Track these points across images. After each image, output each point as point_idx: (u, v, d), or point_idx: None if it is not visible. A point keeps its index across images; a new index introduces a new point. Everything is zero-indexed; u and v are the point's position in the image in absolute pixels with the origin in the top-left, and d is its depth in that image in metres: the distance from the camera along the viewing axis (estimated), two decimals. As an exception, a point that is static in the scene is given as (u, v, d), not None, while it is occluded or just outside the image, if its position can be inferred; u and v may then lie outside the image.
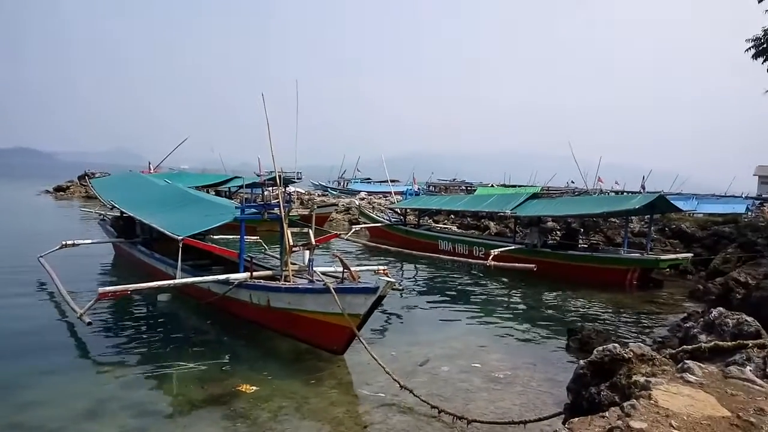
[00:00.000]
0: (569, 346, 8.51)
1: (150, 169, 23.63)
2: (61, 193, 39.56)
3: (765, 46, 13.50)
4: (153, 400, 6.09)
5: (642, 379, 4.21)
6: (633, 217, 19.44)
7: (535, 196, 17.23)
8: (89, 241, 13.03)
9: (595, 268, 14.09)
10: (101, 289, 7.62)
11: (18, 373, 6.50)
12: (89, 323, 7.60)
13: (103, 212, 16.28)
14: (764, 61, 13.49)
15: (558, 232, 18.31)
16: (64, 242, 11.81)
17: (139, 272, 11.56)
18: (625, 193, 31.81)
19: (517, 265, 12.81)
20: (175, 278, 8.57)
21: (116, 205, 12.49)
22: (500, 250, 14.36)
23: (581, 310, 11.51)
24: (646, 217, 18.80)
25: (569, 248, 15.14)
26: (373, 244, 18.41)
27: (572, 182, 44.55)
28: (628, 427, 3.14)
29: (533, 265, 12.17)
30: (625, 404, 3.50)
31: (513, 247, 15.17)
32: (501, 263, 13.01)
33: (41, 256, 11.29)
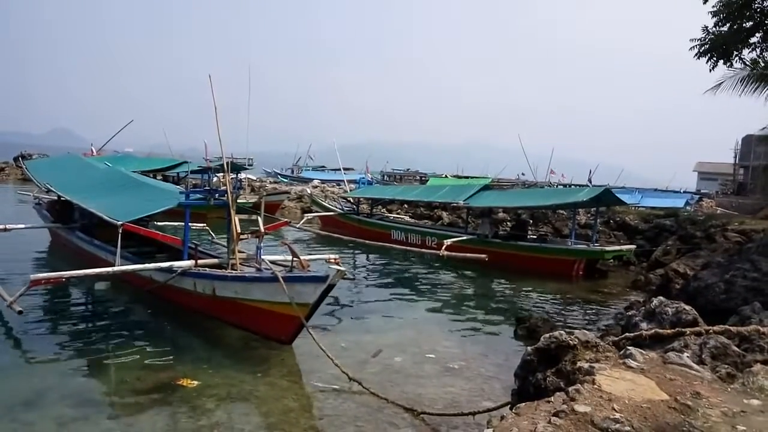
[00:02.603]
0: (517, 333, 8.66)
1: (92, 151, 22.62)
2: (-6, 175, 37.41)
3: (706, 46, 14.01)
4: (92, 390, 5.89)
5: (586, 365, 4.27)
6: (580, 210, 20.03)
7: (487, 187, 17.46)
8: (22, 226, 12.27)
9: (543, 258, 14.41)
10: (33, 276, 7.21)
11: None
12: (20, 312, 7.17)
13: (39, 196, 15.40)
14: (707, 60, 14.02)
15: (508, 223, 18.64)
16: None
17: (78, 259, 10.99)
18: (572, 186, 32.71)
19: (468, 255, 12.94)
20: (114, 265, 8.17)
21: (52, 188, 11.81)
22: (453, 240, 14.47)
23: (530, 299, 11.75)
24: (592, 209, 19.39)
25: (519, 239, 15.43)
26: (326, 233, 18.22)
27: (522, 174, 45.50)
28: (573, 410, 3.17)
29: (485, 255, 12.32)
30: (569, 389, 3.54)
31: (465, 238, 15.33)
32: (453, 253, 13.12)
33: (-31, 241, 10.60)
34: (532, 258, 14.51)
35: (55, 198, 12.92)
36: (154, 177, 19.55)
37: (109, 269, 8.03)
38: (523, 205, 16.66)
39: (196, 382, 6.04)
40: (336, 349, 6.89)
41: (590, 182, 31.27)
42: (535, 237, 16.73)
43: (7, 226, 11.37)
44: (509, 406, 5.12)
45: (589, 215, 21.14)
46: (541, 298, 11.86)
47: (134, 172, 14.35)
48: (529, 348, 5.13)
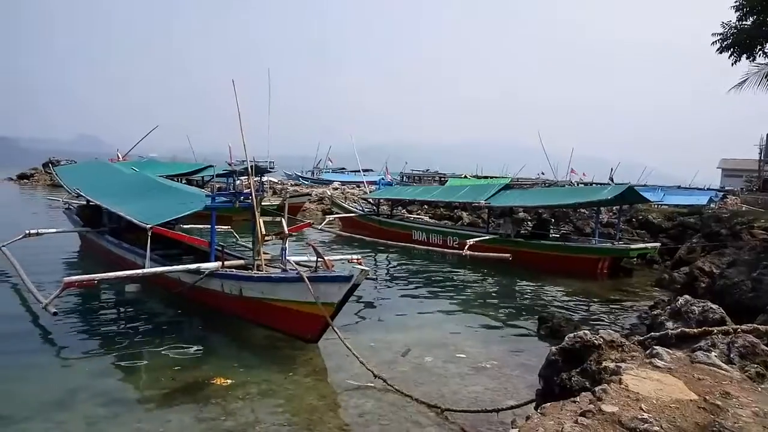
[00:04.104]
0: (540, 333, 8.64)
1: (118, 157, 23.09)
2: (24, 181, 38.44)
3: (729, 40, 13.81)
4: (122, 389, 6.00)
5: (612, 365, 4.28)
6: (602, 208, 19.87)
7: (507, 187, 17.41)
8: (54, 231, 12.65)
9: (567, 257, 14.33)
10: (67, 279, 7.42)
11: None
12: (55, 313, 7.40)
13: (68, 201, 15.80)
14: (730, 55, 13.82)
15: (529, 223, 18.56)
16: (27, 231, 11.44)
17: (107, 262, 11.27)
18: (593, 185, 32.40)
19: (492, 254, 12.94)
20: (143, 268, 8.38)
21: (82, 193, 12.14)
22: (475, 240, 14.47)
23: (552, 298, 11.70)
24: (614, 207, 19.20)
25: (542, 238, 15.35)
26: (347, 234, 18.35)
27: (542, 173, 45.20)
28: (600, 410, 3.19)
29: (508, 255, 12.31)
30: (596, 389, 3.56)
31: (487, 237, 15.31)
32: (476, 253, 13.13)
33: (4, 246, 10.95)
34: (556, 257, 14.43)
35: (84, 203, 13.26)
36: (179, 181, 19.91)
37: (139, 271, 8.24)
38: (544, 204, 16.59)
39: (229, 381, 6.16)
40: (363, 348, 6.96)
41: (612, 180, 30.95)
42: (557, 236, 16.63)
43: (39, 231, 11.72)
44: (534, 405, 5.16)
45: (611, 214, 20.95)
46: (564, 297, 11.79)
47: (160, 176, 14.65)
48: (553, 348, 5.14)
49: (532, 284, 12.93)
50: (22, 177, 39.30)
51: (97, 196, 11.43)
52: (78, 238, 14.28)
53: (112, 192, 11.37)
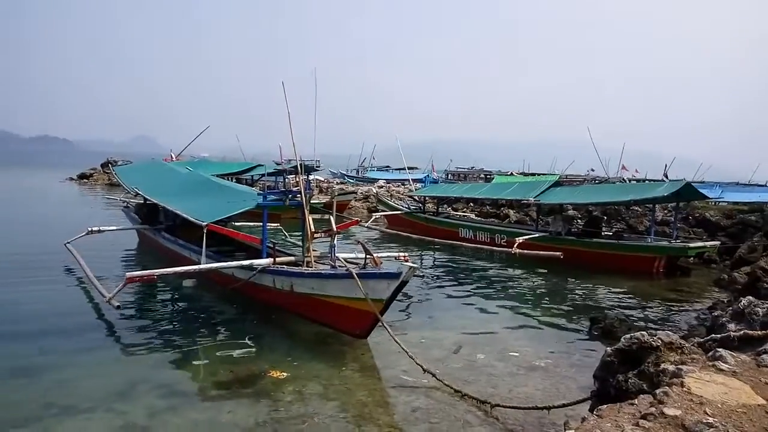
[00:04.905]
0: (593, 333, 8.46)
1: (172, 157, 23.88)
2: (84, 180, 40.18)
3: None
4: (180, 381, 6.21)
5: (671, 367, 4.16)
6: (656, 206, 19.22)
7: (557, 184, 17.09)
8: (114, 228, 13.26)
9: (621, 255, 13.95)
10: (128, 274, 7.75)
11: (50, 356, 6.66)
12: (117, 307, 7.75)
13: (126, 199, 16.50)
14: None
15: (579, 220, 18.14)
16: (90, 229, 12.03)
17: (163, 258, 11.73)
18: (647, 181, 31.33)
19: (543, 252, 12.73)
20: (199, 264, 8.67)
21: (140, 192, 12.65)
22: (525, 237, 14.26)
23: (604, 298, 11.40)
24: (670, 205, 18.54)
25: (593, 236, 14.98)
26: (393, 232, 18.41)
27: (592, 170, 44.02)
28: (662, 413, 3.10)
29: (560, 253, 12.08)
30: (657, 391, 3.46)
31: (537, 235, 15.06)
32: (526, 251, 12.96)
33: (68, 243, 11.51)
34: (610, 255, 14.06)
35: (142, 201, 13.82)
36: (229, 180, 20.45)
37: (195, 267, 8.54)
38: (596, 201, 16.19)
39: (284, 374, 6.31)
40: (413, 345, 6.97)
41: (666, 177, 29.80)
42: (610, 234, 16.20)
43: (101, 228, 12.31)
44: (589, 406, 5.06)
45: (666, 211, 20.24)
46: (617, 297, 11.47)
47: (212, 175, 15.08)
48: (608, 348, 5.02)
49: (583, 283, 12.63)
50: (82, 177, 41.09)
51: (154, 194, 11.89)
52: (136, 235, 14.89)
53: (169, 191, 11.80)
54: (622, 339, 4.93)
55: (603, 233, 15.82)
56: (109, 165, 36.49)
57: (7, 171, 53.89)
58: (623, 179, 36.03)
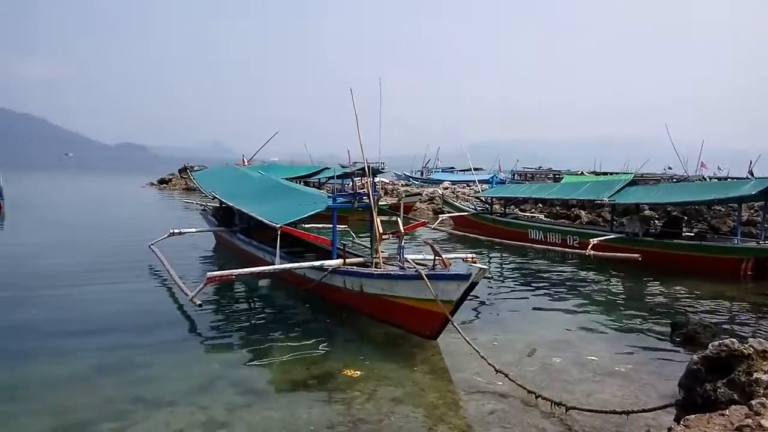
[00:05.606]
0: (674, 340, 8.06)
1: (244, 161, 24.80)
2: (163, 185, 42.41)
3: None
4: (257, 379, 6.41)
5: (766, 377, 3.92)
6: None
7: (632, 183, 16.39)
8: (194, 230, 13.96)
9: (704, 257, 13.20)
10: (209, 274, 8.14)
11: (138, 351, 7.06)
12: (199, 305, 8.15)
13: (204, 203, 17.30)
14: None
15: (656, 221, 17.32)
16: (171, 231, 12.71)
17: (239, 258, 12.22)
18: (729, 179, 29.43)
19: (619, 254, 12.27)
20: (273, 264, 8.98)
21: (217, 196, 13.24)
22: (599, 239, 13.78)
23: (686, 302, 10.82)
24: (755, 204, 17.38)
25: (673, 237, 14.25)
26: (460, 233, 18.29)
27: (669, 168, 41.91)
28: (759, 425, 2.93)
29: (637, 255, 11.58)
30: (753, 402, 3.28)
31: (613, 236, 14.50)
32: (601, 253, 12.54)
33: (152, 244, 12.20)
34: (692, 257, 13.33)
35: (218, 204, 14.46)
36: (297, 183, 21.00)
37: (270, 267, 8.86)
38: (676, 201, 15.40)
39: (358, 373, 6.41)
40: (484, 347, 6.86)
41: (751, 174, 27.86)
42: (691, 234, 15.35)
43: (182, 230, 12.99)
44: (669, 413, 4.84)
45: (752, 211, 18.98)
46: (700, 301, 10.85)
47: (283, 178, 15.56)
48: (695, 356, 4.79)
49: (662, 286, 12.04)
50: (161, 182, 43.36)
51: (230, 198, 12.41)
52: (213, 237, 15.60)
53: (243, 194, 12.28)
54: (709, 346, 4.69)
55: (684, 234, 15.04)
56: (187, 170, 38.34)
57: (93, 176, 58.03)
58: (703, 177, 34.08)
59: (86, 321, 8.36)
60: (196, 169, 36.14)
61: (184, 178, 39.96)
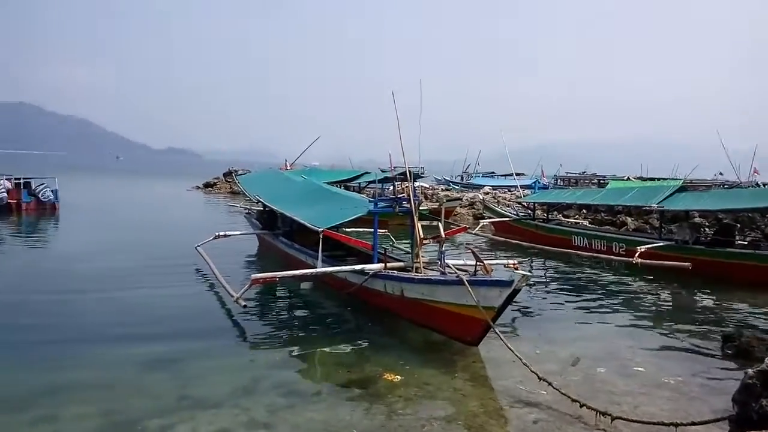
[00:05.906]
0: (726, 352, 7.75)
1: (286, 166, 25.22)
2: (209, 189, 43.47)
3: None
4: (299, 380, 6.50)
5: (827, 394, 3.74)
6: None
7: (682, 189, 15.84)
8: (238, 233, 14.29)
9: (759, 267, 12.62)
10: (254, 276, 8.33)
11: (185, 351, 7.25)
12: (244, 306, 8.35)
13: (247, 206, 17.65)
14: None
15: (707, 229, 16.68)
16: (217, 233, 13.06)
17: (281, 261, 12.43)
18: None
19: (668, 263, 11.87)
20: (315, 267, 9.11)
21: (261, 200, 13.51)
22: (647, 246, 13.35)
23: (739, 313, 10.40)
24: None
25: (726, 245, 13.69)
26: (501, 239, 18.08)
27: (721, 174, 40.36)
28: (820, 444, 2.80)
29: (688, 263, 11.19)
30: (813, 419, 3.13)
31: (661, 244, 14.02)
32: (649, 261, 12.18)
33: (198, 246, 12.53)
34: (746, 266, 12.77)
35: (262, 208, 14.74)
36: (338, 187, 21.20)
37: (313, 270, 9.00)
38: (728, 208, 14.80)
39: (398, 377, 6.42)
40: (526, 356, 6.78)
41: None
42: (745, 243, 14.72)
43: (227, 233, 13.32)
44: (720, 428, 4.67)
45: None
46: (754, 313, 10.40)
47: (324, 183, 15.75)
48: (750, 370, 4.62)
49: (713, 297, 11.61)
50: (206, 185, 44.44)
51: (273, 201, 12.66)
52: (256, 240, 15.92)
53: (286, 198, 12.50)
54: (766, 360, 4.52)
55: (736, 242, 14.44)
56: (231, 174, 39.21)
57: (143, 179, 60.08)
58: (757, 183, 32.70)
59: (135, 323, 8.57)
60: (240, 173, 36.93)
61: (229, 181, 40.86)
